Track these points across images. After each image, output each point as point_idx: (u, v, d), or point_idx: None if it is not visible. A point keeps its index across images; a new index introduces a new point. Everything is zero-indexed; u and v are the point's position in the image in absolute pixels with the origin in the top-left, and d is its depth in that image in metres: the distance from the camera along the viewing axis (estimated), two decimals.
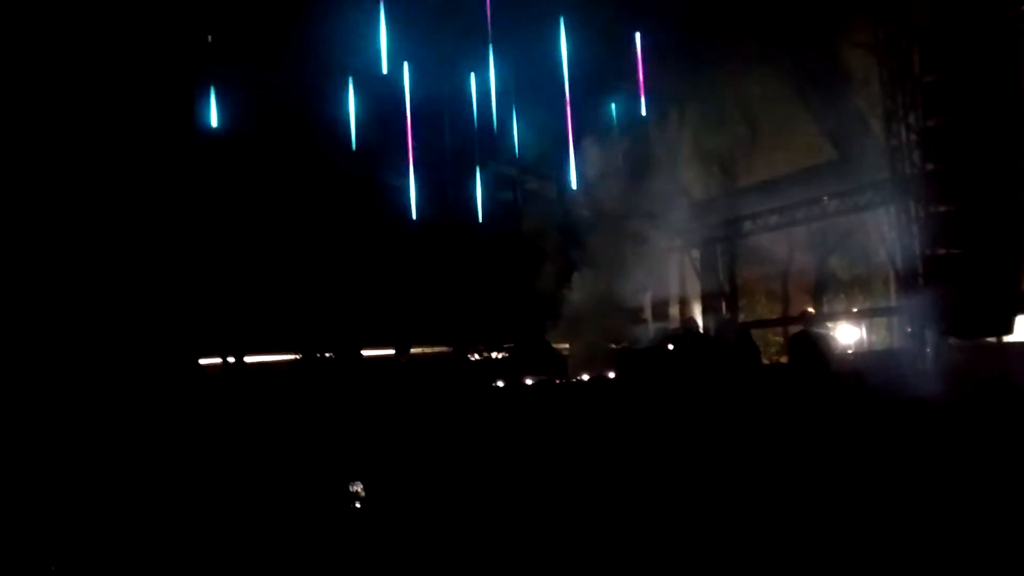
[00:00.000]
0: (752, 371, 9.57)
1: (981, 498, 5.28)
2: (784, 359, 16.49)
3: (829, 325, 16.10)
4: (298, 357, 14.32)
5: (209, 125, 13.86)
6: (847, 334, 15.90)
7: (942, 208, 11.63)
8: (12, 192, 10.89)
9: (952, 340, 12.12)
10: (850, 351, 15.17)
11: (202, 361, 13.21)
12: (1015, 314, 11.36)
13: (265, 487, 6.22)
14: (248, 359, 13.99)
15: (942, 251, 11.75)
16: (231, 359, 13.89)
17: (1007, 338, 11.49)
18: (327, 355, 14.19)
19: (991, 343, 11.65)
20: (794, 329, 14.28)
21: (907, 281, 12.71)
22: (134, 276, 11.92)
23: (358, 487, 5.84)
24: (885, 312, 15.58)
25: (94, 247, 11.54)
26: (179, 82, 13.05)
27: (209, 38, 13.86)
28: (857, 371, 11.64)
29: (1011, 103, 10.90)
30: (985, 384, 9.48)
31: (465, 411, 9.89)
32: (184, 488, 6.22)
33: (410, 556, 4.57)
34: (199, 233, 12.99)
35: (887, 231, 13.62)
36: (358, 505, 5.68)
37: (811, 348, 9.21)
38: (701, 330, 10.21)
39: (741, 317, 18.32)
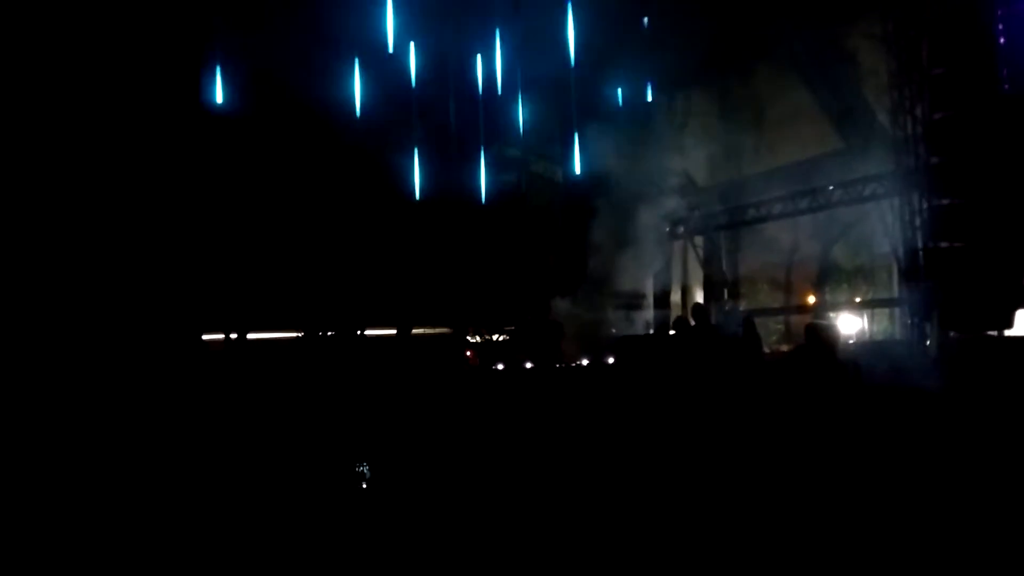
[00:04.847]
0: (753, 360, 9.60)
1: (975, 489, 5.35)
2: (784, 347, 16.56)
3: (831, 315, 16.18)
4: (301, 335, 14.42)
5: (214, 103, 13.84)
6: (849, 324, 15.96)
7: (945, 201, 11.64)
8: (17, 169, 10.93)
9: (952, 333, 12.17)
10: (851, 341, 15.23)
11: (205, 337, 13.31)
12: (1015, 308, 11.40)
13: (270, 467, 6.30)
14: (251, 336, 14.07)
15: (944, 244, 11.77)
16: (233, 335, 13.97)
17: (1008, 332, 11.55)
18: (329, 334, 14.28)
19: (991, 336, 11.69)
20: (802, 319, 14.34)
21: (908, 273, 12.74)
22: (140, 253, 11.99)
23: (364, 468, 5.91)
24: (887, 303, 15.61)
25: (100, 225, 11.59)
26: (185, 60, 13.04)
27: (216, 17, 13.81)
28: (856, 361, 11.70)
29: (1018, 97, 10.87)
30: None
31: (467, 394, 9.97)
32: (188, 466, 6.29)
33: (415, 537, 4.65)
34: (204, 211, 13.03)
35: (891, 222, 13.62)
36: (364, 485, 5.76)
37: (823, 338, 9.26)
38: (703, 318, 10.22)
39: (743, 305, 18.37)
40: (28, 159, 11.06)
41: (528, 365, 13.15)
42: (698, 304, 12.27)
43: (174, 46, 12.60)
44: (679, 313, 17.39)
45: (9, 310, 10.34)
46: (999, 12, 11.15)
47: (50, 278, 10.98)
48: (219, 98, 13.94)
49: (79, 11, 11.38)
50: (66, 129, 11.39)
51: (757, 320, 11.67)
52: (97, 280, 11.38)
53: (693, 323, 9.47)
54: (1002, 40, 11.01)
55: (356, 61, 15.30)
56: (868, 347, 14.13)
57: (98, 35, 11.58)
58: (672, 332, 12.33)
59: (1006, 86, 10.75)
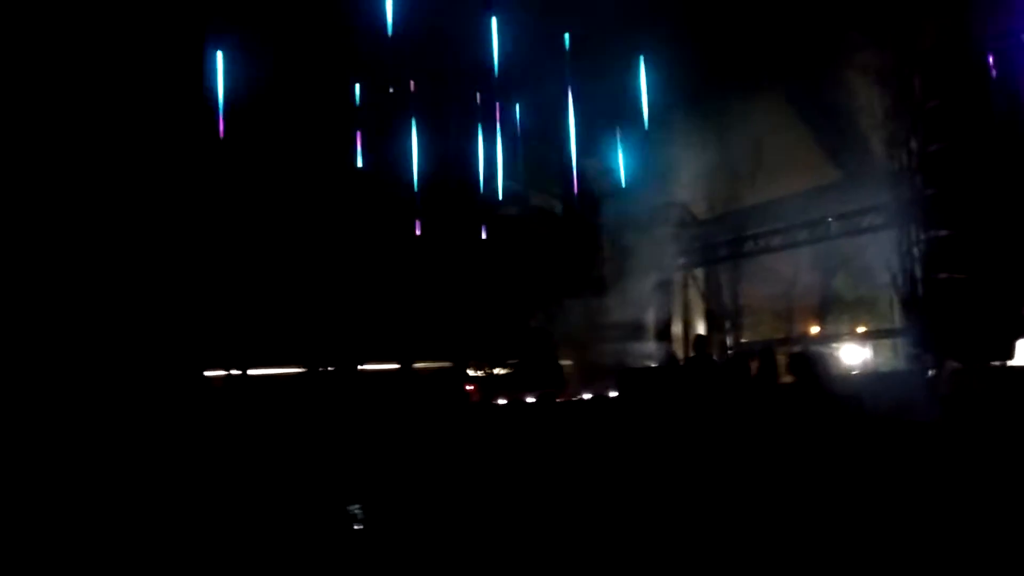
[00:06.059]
0: (767, 392, 9.55)
1: (972, 517, 5.30)
2: (787, 379, 16.45)
3: (833, 345, 16.14)
4: (302, 371, 14.43)
5: (216, 139, 13.99)
6: (852, 354, 15.91)
7: (942, 232, 11.70)
8: (12, 193, 10.98)
9: (953, 363, 12.13)
10: (854, 371, 15.18)
11: (207, 373, 13.33)
12: (1016, 338, 11.38)
13: (264, 505, 6.28)
14: (252, 372, 14.10)
15: (943, 275, 11.81)
16: (235, 372, 14.00)
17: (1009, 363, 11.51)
18: (330, 369, 14.28)
19: (992, 367, 11.65)
20: (794, 349, 14.32)
21: (908, 304, 12.76)
22: (140, 287, 12.04)
23: (356, 508, 5.88)
24: (888, 334, 15.58)
25: (98, 255, 11.64)
26: (188, 97, 13.20)
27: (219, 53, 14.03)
28: (857, 392, 11.65)
29: (1011, 129, 10.97)
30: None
31: (466, 430, 9.92)
32: (183, 503, 6.27)
33: None
34: (205, 247, 13.13)
35: (889, 253, 13.66)
36: (357, 527, 5.73)
37: (810, 368, 9.24)
38: (703, 350, 10.24)
39: (745, 336, 18.34)
40: (30, 187, 11.14)
41: (530, 399, 13.10)
42: (699, 336, 12.33)
43: (174, 58, 12.67)
44: (681, 345, 17.39)
45: (11, 343, 10.39)
46: (991, 45, 11.31)
47: (51, 315, 11.03)
48: (220, 135, 14.12)
49: (80, 28, 11.47)
50: (68, 152, 11.46)
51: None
52: (99, 315, 11.42)
53: (693, 354, 9.50)
54: (994, 73, 11.15)
55: (356, 96, 15.52)
56: (871, 378, 14.09)
57: (100, 51, 11.65)
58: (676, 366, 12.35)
59: (999, 118, 10.87)
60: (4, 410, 9.00)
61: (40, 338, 10.73)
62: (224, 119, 14.09)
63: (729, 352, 18.09)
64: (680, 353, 16.41)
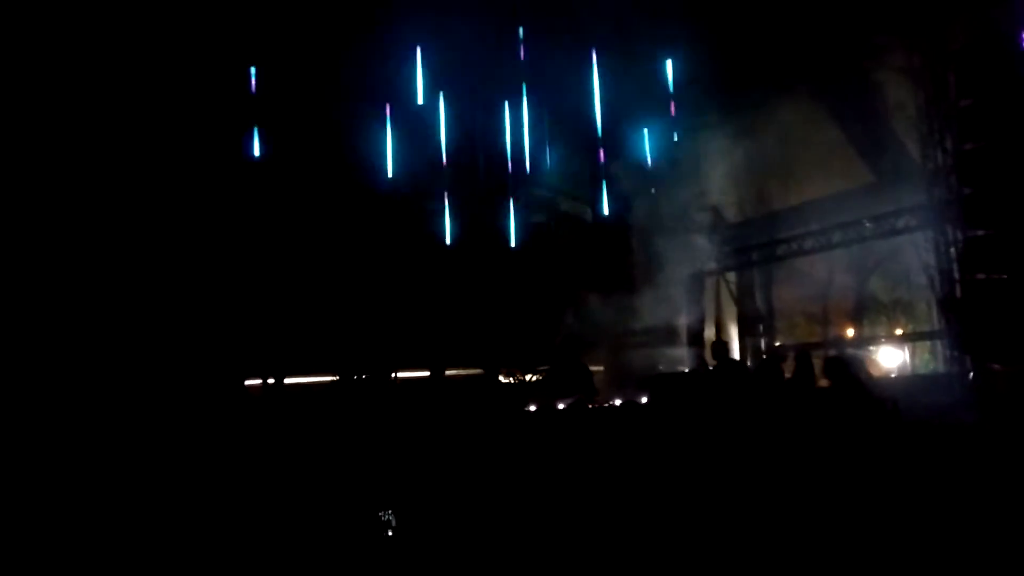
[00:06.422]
0: (803, 395, 9.47)
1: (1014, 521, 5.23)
2: (824, 383, 16.21)
3: (870, 348, 15.89)
4: (336, 379, 14.64)
5: (251, 154, 14.31)
6: (889, 357, 15.65)
7: (979, 232, 11.48)
8: (60, 217, 11.38)
9: (994, 365, 11.88)
10: (892, 374, 14.94)
11: (246, 382, 13.60)
12: None
13: (297, 511, 6.39)
14: (288, 380, 14.34)
15: (981, 275, 11.58)
16: (271, 380, 14.25)
17: None
18: (363, 377, 14.47)
19: None
20: (830, 352, 14.12)
21: (946, 305, 12.53)
22: (182, 300, 12.36)
23: (389, 515, 5.96)
24: (927, 336, 15.30)
25: (142, 269, 11.98)
26: (225, 113, 13.56)
27: (252, 70, 14.36)
28: (894, 396, 11.47)
29: None
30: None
31: (498, 437, 9.98)
32: (221, 508, 6.41)
33: None
34: (241, 259, 13.41)
35: (926, 254, 13.44)
36: (389, 533, 5.81)
37: (847, 372, 9.12)
38: (725, 355, 10.13)
39: (780, 340, 18.14)
40: (77, 212, 11.52)
41: (560, 406, 13.12)
42: (720, 341, 12.20)
43: (213, 100, 13.10)
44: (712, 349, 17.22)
45: (55, 351, 10.73)
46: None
47: (95, 325, 11.37)
48: (256, 151, 14.42)
49: (123, 73, 11.93)
50: (112, 180, 11.85)
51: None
52: (144, 327, 11.75)
53: (715, 362, 9.43)
54: None
55: (387, 111, 15.73)
56: (909, 381, 13.87)
57: (141, 92, 12.09)
58: (709, 371, 12.23)
59: None
60: (49, 416, 9.29)
61: (84, 347, 11.07)
62: (259, 134, 14.40)
63: (763, 356, 17.90)
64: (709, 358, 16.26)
